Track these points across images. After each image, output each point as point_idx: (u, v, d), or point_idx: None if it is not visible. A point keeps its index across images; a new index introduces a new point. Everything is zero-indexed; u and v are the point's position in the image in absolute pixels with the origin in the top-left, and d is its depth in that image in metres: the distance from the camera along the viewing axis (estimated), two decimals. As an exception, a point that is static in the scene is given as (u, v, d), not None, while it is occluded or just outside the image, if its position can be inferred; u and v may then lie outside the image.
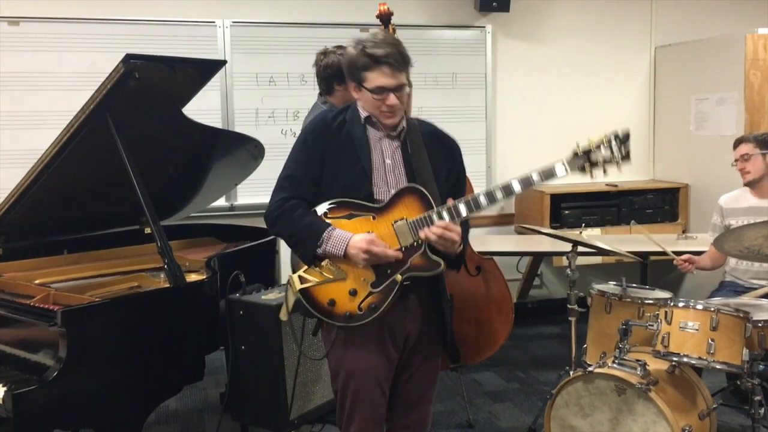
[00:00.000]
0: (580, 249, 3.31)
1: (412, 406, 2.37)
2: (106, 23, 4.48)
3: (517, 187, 2.15)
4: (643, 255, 4.51)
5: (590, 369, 2.88)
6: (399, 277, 2.15)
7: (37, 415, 2.40)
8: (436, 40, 5.14)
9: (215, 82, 4.28)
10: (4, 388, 2.40)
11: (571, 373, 3.08)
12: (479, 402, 4.00)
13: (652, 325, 2.86)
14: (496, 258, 3.72)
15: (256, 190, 4.52)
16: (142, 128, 3.02)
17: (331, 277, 2.20)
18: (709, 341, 2.73)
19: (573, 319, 3.27)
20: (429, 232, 2.11)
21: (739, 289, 3.61)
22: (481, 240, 4.77)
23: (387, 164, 2.24)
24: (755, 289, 3.47)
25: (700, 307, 2.80)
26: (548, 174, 2.15)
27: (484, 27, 5.23)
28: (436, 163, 2.27)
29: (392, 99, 2.17)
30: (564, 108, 5.31)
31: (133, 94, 2.83)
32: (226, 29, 4.70)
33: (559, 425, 2.95)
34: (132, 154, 2.90)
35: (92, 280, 3.16)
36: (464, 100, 5.20)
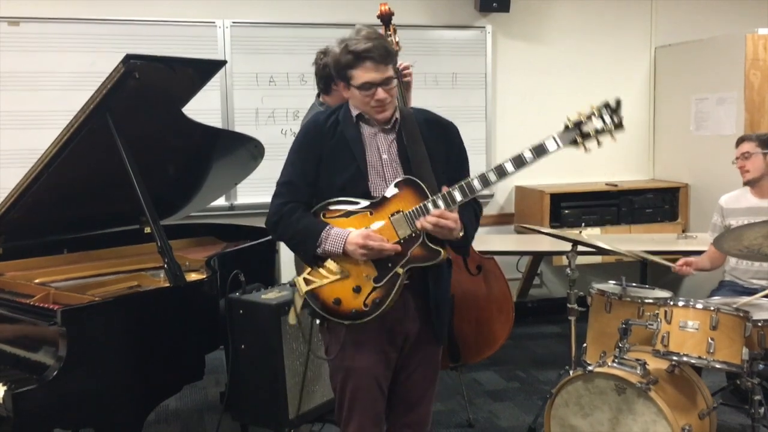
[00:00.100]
0: (580, 248, 3.31)
1: (412, 405, 2.38)
2: (106, 23, 4.48)
3: (510, 168, 2.13)
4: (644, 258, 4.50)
5: (590, 368, 2.88)
6: (400, 270, 2.15)
7: (37, 414, 2.40)
8: (436, 40, 5.14)
9: (215, 82, 4.28)
10: (4, 388, 2.40)
11: (571, 372, 3.09)
12: (479, 401, 4.00)
13: (652, 325, 2.86)
14: (496, 257, 3.73)
15: (255, 189, 4.53)
16: (142, 128, 3.02)
17: (334, 276, 2.20)
18: (709, 340, 2.73)
19: (573, 319, 3.27)
20: (425, 222, 2.11)
21: (739, 289, 3.61)
22: (481, 240, 4.76)
23: (384, 159, 2.24)
24: (755, 288, 3.46)
25: (699, 306, 2.80)
26: (540, 150, 2.13)
27: (484, 27, 5.24)
28: (434, 148, 2.26)
29: (380, 93, 2.17)
30: (564, 108, 5.19)
31: (133, 94, 2.83)
32: (226, 29, 4.70)
33: (559, 424, 2.95)
34: (132, 154, 2.90)
35: (92, 279, 3.16)
36: (464, 100, 5.20)
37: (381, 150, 2.25)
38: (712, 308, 2.77)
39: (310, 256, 2.22)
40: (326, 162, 2.24)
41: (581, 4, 5.47)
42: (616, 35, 5.55)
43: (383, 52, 2.15)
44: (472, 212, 2.31)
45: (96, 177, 3.10)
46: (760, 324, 2.90)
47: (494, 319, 3.59)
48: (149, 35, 4.51)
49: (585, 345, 3.30)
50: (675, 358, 2.78)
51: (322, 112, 2.38)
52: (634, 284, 3.40)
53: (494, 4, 5.10)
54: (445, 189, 2.14)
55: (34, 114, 4.40)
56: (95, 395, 2.53)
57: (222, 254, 3.34)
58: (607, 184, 5.30)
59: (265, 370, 2.94)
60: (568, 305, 3.27)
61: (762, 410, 2.87)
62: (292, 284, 2.30)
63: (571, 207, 5.14)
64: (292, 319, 2.33)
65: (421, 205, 2.14)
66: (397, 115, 2.28)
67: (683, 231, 5.17)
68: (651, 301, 3.11)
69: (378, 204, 2.19)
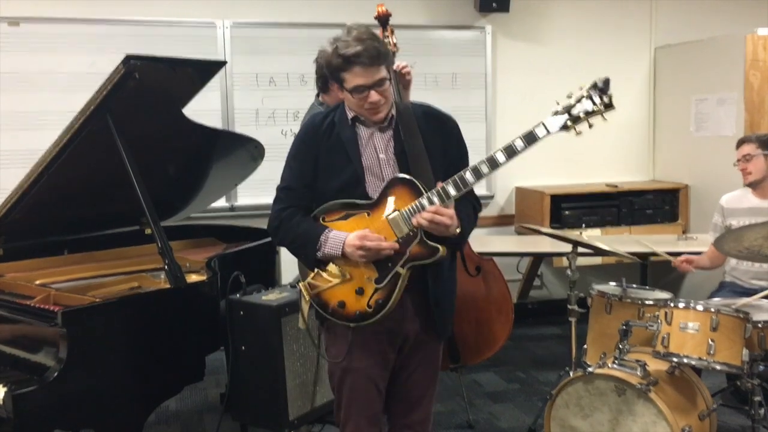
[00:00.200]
0: (580, 249, 3.31)
1: (412, 406, 2.38)
2: (106, 23, 4.48)
3: (501, 158, 2.11)
4: (643, 256, 4.51)
5: (590, 369, 2.88)
6: (401, 269, 2.15)
7: (38, 415, 2.40)
8: (436, 40, 5.14)
9: (215, 82, 4.27)
10: (5, 389, 2.40)
11: (571, 373, 3.09)
12: (479, 402, 4.00)
13: (652, 326, 2.86)
14: (496, 258, 3.73)
15: (256, 190, 4.53)
16: (142, 129, 3.02)
17: (336, 279, 2.21)
18: (709, 342, 2.73)
19: (573, 320, 3.27)
20: (420, 218, 2.10)
21: (739, 290, 3.61)
22: (481, 240, 4.77)
23: (381, 159, 2.23)
24: (755, 289, 3.46)
25: (700, 307, 2.80)
26: (530, 138, 2.10)
27: (484, 27, 5.23)
28: (432, 142, 2.25)
29: (373, 96, 2.15)
30: (564, 108, 5.30)
31: (133, 94, 2.83)
32: (226, 29, 4.70)
33: (559, 426, 2.95)
34: (132, 155, 2.90)
35: (93, 280, 3.16)
36: (464, 100, 5.20)
37: (378, 150, 2.24)
38: (712, 309, 2.77)
39: (311, 261, 2.23)
40: (323, 165, 2.24)
41: (581, 4, 5.47)
42: (616, 35, 5.54)
43: (374, 55, 2.10)
44: (470, 207, 2.30)
45: (96, 178, 3.10)
46: (760, 325, 2.90)
47: (494, 320, 3.59)
48: (149, 35, 4.51)
49: (585, 346, 3.30)
50: (675, 359, 2.78)
51: (319, 114, 2.38)
52: (634, 285, 3.41)
53: (494, 5, 5.10)
54: (439, 185, 2.13)
55: (34, 114, 4.39)
56: (95, 396, 2.53)
57: (222, 255, 3.34)
58: (607, 185, 5.29)
59: (265, 372, 2.94)
60: (569, 306, 3.27)
61: (762, 411, 2.88)
62: (293, 285, 2.31)
63: (572, 208, 5.14)
64: (301, 324, 2.34)
65: (417, 202, 2.13)
66: (393, 111, 2.26)
67: (683, 232, 5.17)
68: (651, 302, 3.11)
69: (375, 204, 2.19)
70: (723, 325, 2.75)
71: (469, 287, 3.51)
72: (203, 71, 3.16)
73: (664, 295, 3.24)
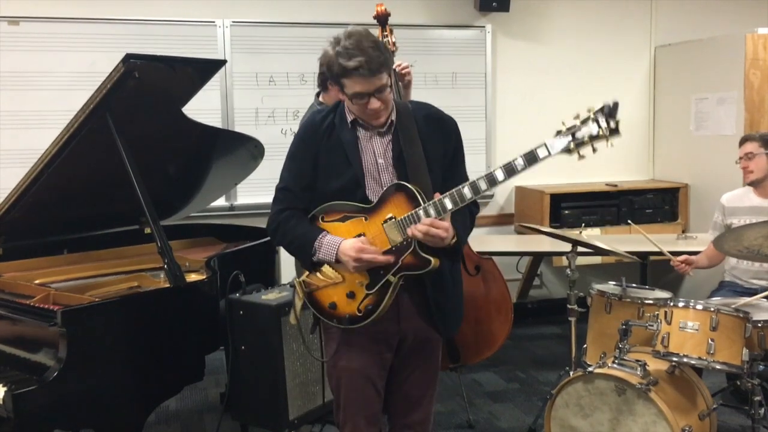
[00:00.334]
0: (580, 249, 3.31)
1: (412, 406, 2.38)
2: (106, 23, 4.48)
3: (500, 176, 2.08)
4: (643, 255, 4.51)
5: (590, 369, 2.88)
6: (392, 277, 2.15)
7: (37, 415, 2.40)
8: (436, 40, 5.13)
9: (215, 81, 4.28)
10: (5, 388, 2.40)
11: (571, 373, 3.08)
12: (479, 402, 4.00)
13: (652, 326, 2.86)
14: (495, 258, 3.73)
15: (255, 189, 4.53)
16: (142, 128, 3.02)
17: (329, 281, 2.22)
18: (709, 341, 2.73)
19: (573, 319, 3.26)
20: (415, 230, 2.09)
21: (739, 289, 3.60)
22: (481, 240, 4.78)
23: (380, 164, 2.23)
24: (755, 289, 3.46)
25: (699, 307, 2.80)
26: (531, 159, 2.05)
27: (484, 27, 5.23)
28: (431, 146, 2.24)
29: (373, 103, 2.13)
30: (564, 108, 5.24)
31: (133, 93, 2.83)
32: (226, 29, 4.70)
33: (559, 425, 2.95)
34: (132, 154, 2.89)
35: (92, 280, 3.16)
36: (464, 99, 5.19)
37: (377, 154, 2.23)
38: (712, 309, 2.77)
39: (308, 263, 2.24)
40: (323, 165, 2.24)
41: (581, 4, 5.46)
42: (616, 35, 5.54)
43: (374, 64, 2.07)
44: (467, 214, 2.27)
45: (96, 177, 3.09)
46: (760, 325, 2.90)
47: (493, 320, 3.60)
48: (149, 35, 4.51)
49: (585, 346, 3.30)
50: (675, 359, 2.78)
51: (319, 111, 2.35)
52: (634, 285, 3.40)
53: (494, 4, 5.10)
54: (436, 196, 2.12)
55: (34, 114, 4.39)
56: (95, 396, 2.52)
57: (222, 255, 3.34)
58: (607, 185, 5.29)
59: (265, 371, 2.94)
60: (568, 306, 3.27)
61: (762, 411, 2.87)
62: (292, 285, 2.31)
63: (571, 207, 5.14)
64: (292, 319, 2.35)
65: (413, 213, 2.11)
66: (393, 116, 2.25)
67: (683, 231, 5.17)
68: (651, 301, 3.11)
69: (372, 209, 2.18)
70: (723, 324, 2.75)
71: (468, 287, 3.48)
72: (203, 71, 3.16)
73: (664, 294, 3.24)
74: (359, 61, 2.06)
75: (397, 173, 2.21)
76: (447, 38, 5.16)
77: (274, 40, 4.79)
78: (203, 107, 4.19)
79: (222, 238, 3.95)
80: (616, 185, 5.28)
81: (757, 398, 2.86)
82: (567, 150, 2.06)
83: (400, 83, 3.21)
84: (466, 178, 2.20)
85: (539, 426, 3.51)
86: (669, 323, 2.81)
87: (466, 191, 2.11)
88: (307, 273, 2.26)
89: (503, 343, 3.63)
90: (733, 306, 2.89)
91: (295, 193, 2.27)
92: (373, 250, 2.14)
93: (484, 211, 5.25)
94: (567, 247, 3.31)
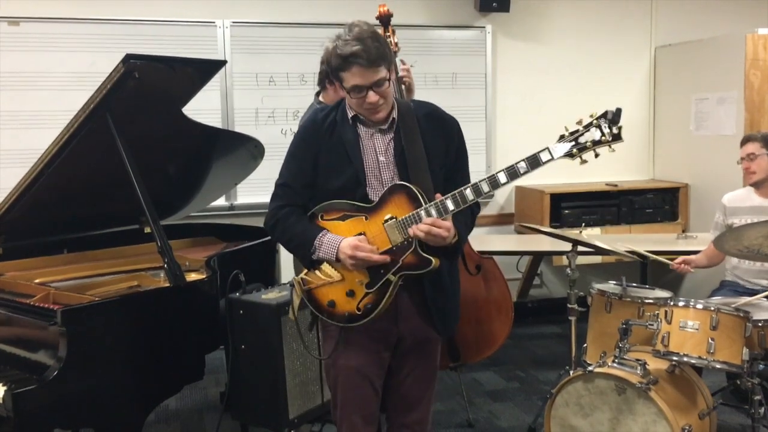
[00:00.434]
0: (580, 248, 3.31)
1: (411, 405, 2.38)
2: (106, 23, 4.48)
3: (503, 179, 2.09)
4: (643, 255, 4.51)
5: (590, 368, 2.88)
6: (392, 276, 2.15)
7: (37, 414, 2.40)
8: (436, 40, 5.14)
9: (215, 82, 4.28)
10: (4, 388, 2.39)
11: (571, 372, 3.09)
12: (479, 401, 4.00)
13: (652, 325, 2.86)
14: (496, 257, 3.73)
15: (255, 189, 4.53)
16: (142, 128, 3.02)
17: (329, 279, 2.21)
18: (709, 341, 2.73)
19: (573, 319, 3.26)
20: (417, 230, 2.10)
21: (740, 289, 3.60)
22: (481, 239, 4.78)
23: (381, 162, 2.22)
24: (757, 288, 3.46)
25: (700, 306, 2.80)
26: (534, 162, 2.08)
27: (484, 27, 5.24)
28: (433, 145, 2.23)
29: (371, 97, 2.12)
30: (564, 108, 5.31)
31: (133, 94, 2.83)
32: (226, 29, 4.70)
33: (559, 425, 2.95)
34: (132, 154, 2.89)
35: (92, 279, 3.16)
36: (464, 100, 5.19)
37: (378, 152, 2.23)
38: (712, 308, 2.77)
39: (307, 261, 2.24)
40: (324, 163, 2.23)
41: (581, 4, 5.47)
42: (616, 35, 5.55)
43: (372, 55, 2.07)
44: (468, 214, 2.27)
45: (96, 177, 3.09)
46: (760, 324, 2.90)
47: (493, 319, 3.60)
48: (149, 35, 4.51)
49: (585, 345, 3.30)
50: (675, 358, 2.78)
51: (320, 109, 2.35)
52: (634, 284, 3.41)
53: (494, 4, 5.10)
54: (438, 197, 2.12)
55: (34, 114, 4.40)
56: (95, 395, 2.52)
57: (222, 254, 3.34)
58: (607, 185, 5.29)
59: (265, 371, 2.94)
60: (569, 305, 3.27)
61: (762, 410, 2.88)
62: (292, 285, 2.31)
63: (571, 207, 5.14)
64: (291, 316, 2.35)
65: (414, 213, 2.12)
66: (395, 114, 2.24)
67: (683, 231, 5.17)
68: (651, 301, 3.11)
69: (373, 209, 2.18)
70: (723, 323, 2.75)
71: (468, 286, 3.51)
72: (203, 71, 3.16)
73: (664, 293, 3.24)
74: (356, 50, 2.06)
75: (399, 171, 2.21)
76: (447, 38, 5.17)
77: (274, 40, 4.80)
78: (203, 107, 4.19)
79: (222, 237, 3.95)
80: (616, 185, 5.28)
81: (757, 397, 2.86)
82: (569, 155, 2.09)
83: (402, 86, 3.22)
84: (468, 179, 2.20)
85: (539, 425, 3.51)
86: (669, 322, 2.81)
87: (468, 193, 2.12)
88: (305, 271, 2.26)
89: (503, 342, 3.63)
90: (733, 305, 2.89)
91: (295, 190, 2.26)
92: (368, 248, 2.14)
93: (485, 211, 5.25)
94: (567, 246, 3.31)
